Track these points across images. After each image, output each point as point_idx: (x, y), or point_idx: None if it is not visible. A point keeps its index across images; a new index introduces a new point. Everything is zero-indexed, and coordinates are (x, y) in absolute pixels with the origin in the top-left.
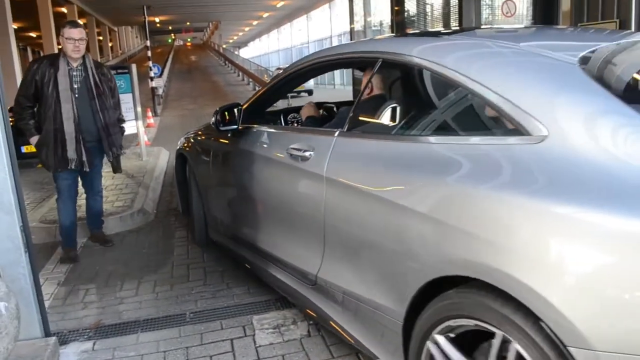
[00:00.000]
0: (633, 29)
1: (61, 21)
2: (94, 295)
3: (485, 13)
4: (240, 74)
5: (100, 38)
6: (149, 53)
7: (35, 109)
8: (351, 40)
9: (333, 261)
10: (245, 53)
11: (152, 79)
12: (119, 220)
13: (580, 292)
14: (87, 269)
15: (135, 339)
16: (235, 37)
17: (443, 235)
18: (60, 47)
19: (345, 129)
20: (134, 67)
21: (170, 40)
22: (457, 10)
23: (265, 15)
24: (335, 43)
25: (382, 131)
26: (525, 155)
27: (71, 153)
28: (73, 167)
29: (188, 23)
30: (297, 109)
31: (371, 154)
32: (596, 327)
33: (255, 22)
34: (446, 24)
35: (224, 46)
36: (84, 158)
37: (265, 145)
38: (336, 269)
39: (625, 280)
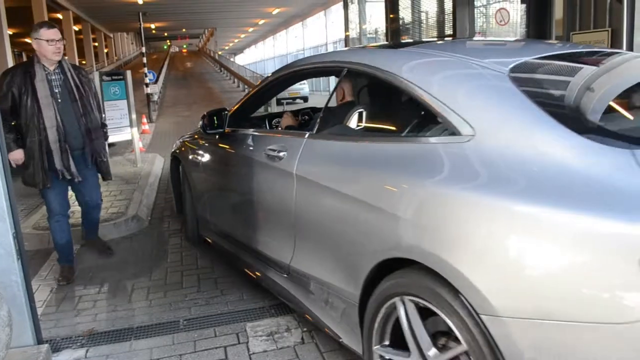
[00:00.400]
0: (625, 38)
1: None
2: (88, 302)
3: (479, 21)
4: (236, 80)
5: (96, 44)
6: (145, 59)
7: (14, 123)
8: (345, 47)
9: (302, 251)
10: (241, 60)
11: (147, 85)
12: (113, 227)
13: (489, 269)
14: (80, 275)
15: (128, 346)
16: (230, 44)
17: (386, 223)
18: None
19: (314, 132)
20: (129, 73)
21: (165, 47)
22: (451, 18)
23: (261, 22)
24: (330, 50)
25: (342, 133)
26: (455, 152)
27: (58, 163)
28: (62, 178)
29: (184, 30)
30: (277, 114)
31: (331, 153)
32: (501, 298)
33: (250, 29)
34: (440, 32)
35: (220, 53)
36: (73, 168)
37: (246, 147)
38: (305, 259)
39: (523, 259)
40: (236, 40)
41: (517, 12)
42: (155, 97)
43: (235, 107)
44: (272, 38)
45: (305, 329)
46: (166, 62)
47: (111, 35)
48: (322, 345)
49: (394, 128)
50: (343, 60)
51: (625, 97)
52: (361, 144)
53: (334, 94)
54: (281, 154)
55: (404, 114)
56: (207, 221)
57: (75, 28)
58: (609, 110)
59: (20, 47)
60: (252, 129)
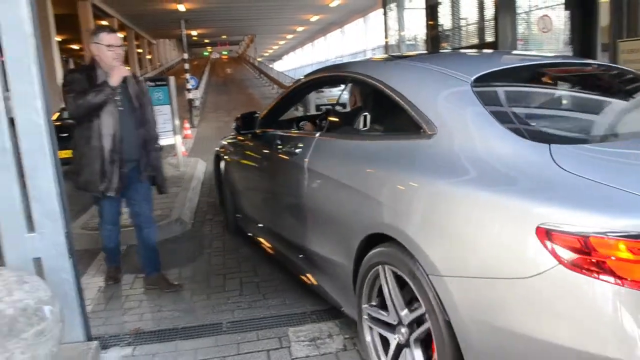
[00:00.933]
0: None
1: None
2: (134, 302)
3: (521, 28)
4: (275, 86)
5: (140, 50)
6: (187, 65)
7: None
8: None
9: (311, 233)
10: (280, 66)
11: (189, 90)
12: (157, 229)
13: (435, 239)
14: (126, 276)
15: (174, 346)
16: (270, 51)
17: (369, 205)
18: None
19: (323, 132)
20: (172, 79)
21: (206, 53)
22: (493, 25)
23: (300, 29)
24: (369, 56)
25: (341, 132)
26: (421, 147)
27: (115, 175)
28: (117, 189)
29: (224, 36)
30: (308, 117)
31: (332, 149)
32: (442, 262)
33: (289, 36)
34: (481, 40)
35: (259, 59)
36: (115, 183)
37: (271, 145)
38: (313, 239)
39: (457, 229)
40: (275, 47)
41: (560, 19)
42: (197, 103)
43: (266, 111)
44: (310, 45)
45: (347, 336)
46: (207, 69)
47: (154, 42)
48: (364, 352)
49: (378, 127)
50: (349, 70)
51: (560, 102)
52: (351, 141)
53: (348, 100)
54: (297, 150)
55: (385, 116)
56: (241, 211)
57: (120, 35)
58: (545, 112)
59: (68, 53)
60: (279, 130)
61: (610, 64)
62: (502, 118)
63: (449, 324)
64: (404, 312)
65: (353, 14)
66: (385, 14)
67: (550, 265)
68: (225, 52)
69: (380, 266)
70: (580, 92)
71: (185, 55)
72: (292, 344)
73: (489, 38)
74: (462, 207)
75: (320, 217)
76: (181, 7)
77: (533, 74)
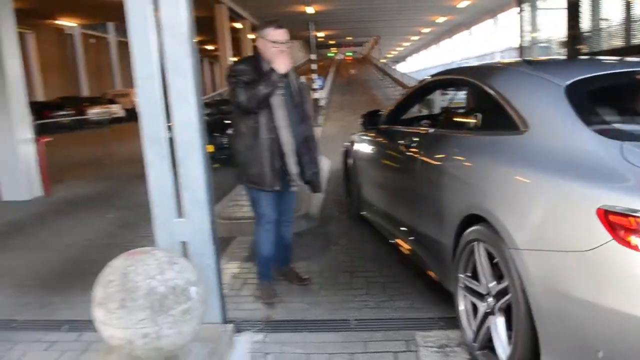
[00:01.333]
0: None
1: (235, 35)
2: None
3: None
4: (398, 88)
5: None
6: (313, 66)
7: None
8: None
9: (422, 217)
10: (403, 68)
11: (315, 90)
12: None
13: (516, 219)
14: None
15: (302, 337)
16: (394, 52)
17: (468, 190)
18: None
19: (437, 128)
20: (302, 79)
21: (330, 54)
22: None
23: (425, 30)
24: (497, 59)
25: (450, 128)
26: (514, 142)
27: (292, 167)
28: (293, 183)
29: (349, 38)
30: (429, 116)
31: (440, 142)
32: (520, 236)
33: (414, 38)
34: (627, 41)
35: (383, 61)
36: (295, 174)
37: (392, 139)
38: (423, 223)
39: (533, 210)
40: (399, 49)
41: None
42: (322, 102)
43: (389, 110)
44: (435, 46)
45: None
46: (332, 69)
47: None
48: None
49: (480, 124)
50: (461, 73)
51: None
52: (456, 136)
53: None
54: (413, 143)
55: (488, 115)
56: (363, 198)
57: (251, 36)
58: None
59: (202, 54)
60: (395, 126)
61: None
62: (587, 119)
63: (524, 292)
64: (492, 284)
65: (482, 14)
66: (520, 13)
67: (605, 240)
68: (350, 53)
69: (475, 243)
70: None
71: (313, 56)
72: (420, 348)
73: (636, 40)
74: (540, 191)
75: (428, 201)
76: (310, 10)
77: (623, 79)
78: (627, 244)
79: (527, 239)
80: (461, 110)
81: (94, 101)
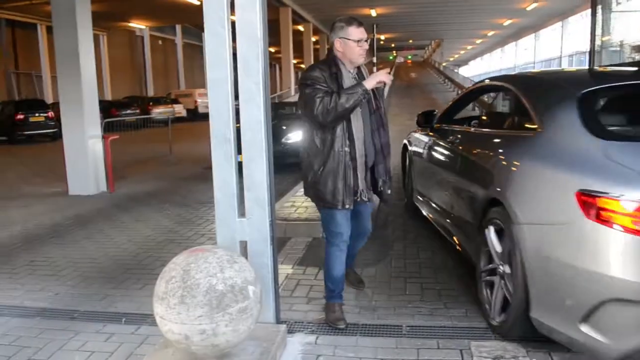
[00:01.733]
0: None
1: (297, 38)
2: (318, 292)
3: None
4: (459, 92)
5: None
6: (375, 69)
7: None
8: (589, 61)
9: (454, 202)
10: (465, 71)
11: None
12: None
13: (522, 200)
14: (311, 265)
15: (354, 341)
16: (456, 56)
17: (491, 177)
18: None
19: (475, 127)
20: None
21: (391, 58)
22: None
23: (490, 34)
24: (565, 64)
25: (483, 127)
26: (528, 140)
27: (361, 182)
28: (361, 199)
29: (410, 41)
30: (477, 117)
31: (475, 139)
32: (521, 213)
33: (478, 41)
34: None
35: (444, 64)
36: (366, 189)
37: (442, 136)
38: (457, 205)
39: (533, 192)
40: (462, 52)
41: None
42: None
43: (443, 111)
44: (499, 50)
45: (534, 359)
46: (391, 72)
47: None
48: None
49: (508, 125)
50: (500, 80)
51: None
52: (486, 134)
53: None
54: (456, 140)
55: (515, 116)
56: (417, 191)
57: (313, 39)
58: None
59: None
60: (449, 125)
61: None
62: (588, 123)
63: (521, 257)
64: (500, 250)
65: (550, 17)
66: (594, 14)
67: (581, 216)
68: (410, 56)
69: (489, 223)
70: None
71: (374, 59)
72: (475, 358)
73: None
74: (539, 179)
75: (464, 189)
76: (373, 12)
77: (630, 90)
78: (594, 219)
79: (526, 215)
80: (495, 112)
81: (157, 101)
